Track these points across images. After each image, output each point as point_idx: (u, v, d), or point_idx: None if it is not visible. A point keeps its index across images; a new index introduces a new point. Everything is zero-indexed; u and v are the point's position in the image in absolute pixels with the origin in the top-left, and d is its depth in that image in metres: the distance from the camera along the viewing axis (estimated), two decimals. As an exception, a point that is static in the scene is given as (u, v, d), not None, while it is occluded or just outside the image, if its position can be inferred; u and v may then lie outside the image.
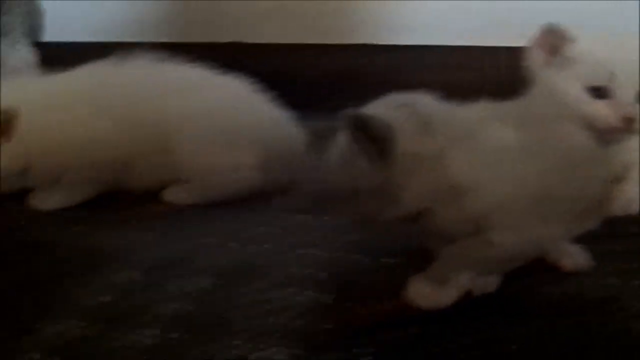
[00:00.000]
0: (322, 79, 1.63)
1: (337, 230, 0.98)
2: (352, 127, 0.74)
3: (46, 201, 1.10)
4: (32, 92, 1.03)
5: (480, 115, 0.82)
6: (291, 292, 0.82)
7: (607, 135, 0.82)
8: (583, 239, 0.83)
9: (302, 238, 0.96)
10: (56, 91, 1.08)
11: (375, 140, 0.75)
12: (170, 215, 1.06)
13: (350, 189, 0.78)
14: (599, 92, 0.83)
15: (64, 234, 1.01)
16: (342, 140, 0.78)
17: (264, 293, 0.83)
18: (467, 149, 0.79)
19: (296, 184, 1.11)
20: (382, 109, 0.77)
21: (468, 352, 0.70)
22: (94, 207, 1.11)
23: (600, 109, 0.82)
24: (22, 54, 1.68)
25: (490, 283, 0.80)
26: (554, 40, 0.86)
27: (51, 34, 1.90)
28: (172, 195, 1.10)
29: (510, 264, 0.81)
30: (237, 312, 0.79)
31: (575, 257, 0.86)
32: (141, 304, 0.81)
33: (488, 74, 1.41)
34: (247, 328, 0.76)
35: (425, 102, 0.80)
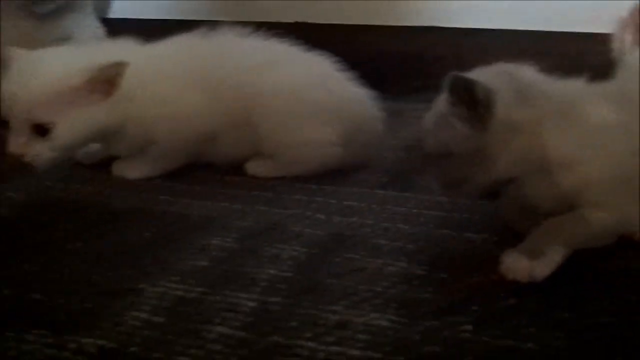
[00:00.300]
0: (395, 61, 1.64)
1: (419, 205, 0.99)
2: (454, 89, 0.76)
3: (131, 171, 1.13)
4: (130, 56, 1.04)
5: (578, 92, 0.82)
6: (383, 263, 0.84)
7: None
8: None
9: (387, 212, 0.98)
10: (152, 59, 1.09)
11: (475, 104, 0.76)
12: (254, 187, 1.07)
13: (445, 152, 0.80)
14: None
15: (152, 202, 1.04)
16: (441, 104, 0.79)
17: (357, 262, 0.84)
18: (565, 123, 0.79)
19: (377, 160, 1.13)
20: (486, 75, 0.78)
21: (563, 326, 0.70)
22: (175, 177, 1.12)
23: None
24: (92, 29, 1.71)
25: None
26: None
27: (117, 11, 1.93)
28: (255, 168, 1.11)
29: (602, 241, 0.81)
30: (333, 279, 0.80)
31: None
32: (237, 269, 0.83)
33: (567, 59, 1.41)
34: (345, 295, 0.77)
35: (527, 73, 0.81)
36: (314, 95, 1.09)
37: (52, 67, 1.02)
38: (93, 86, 1.01)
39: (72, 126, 1.01)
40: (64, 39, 1.50)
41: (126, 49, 1.10)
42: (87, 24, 1.72)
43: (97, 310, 0.75)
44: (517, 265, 0.76)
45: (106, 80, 1.01)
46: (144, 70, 1.07)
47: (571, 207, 0.80)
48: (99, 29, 1.71)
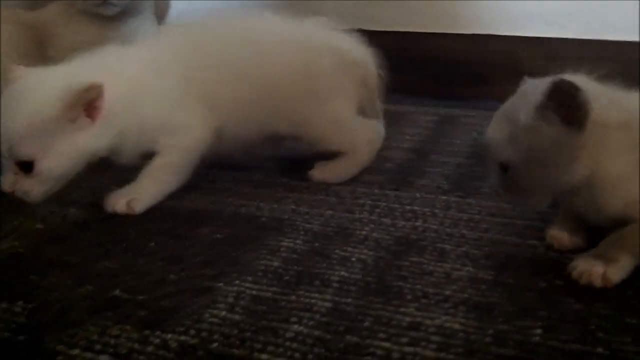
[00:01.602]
0: (448, 68, 1.65)
1: (482, 212, 1.01)
2: (556, 93, 0.77)
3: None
4: (117, 65, 1.03)
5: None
6: (451, 267, 0.86)
7: None
8: None
9: (450, 218, 0.99)
10: (141, 64, 1.07)
11: (577, 108, 0.78)
12: (317, 191, 1.10)
13: (524, 160, 0.81)
14: None
15: (221, 205, 1.06)
16: (518, 112, 0.81)
17: (424, 266, 0.86)
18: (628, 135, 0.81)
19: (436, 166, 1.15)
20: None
21: (632, 330, 0.72)
22: (239, 181, 1.15)
23: None
24: (151, 34, 1.74)
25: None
26: None
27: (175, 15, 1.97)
28: (321, 175, 1.14)
29: None
30: (402, 282, 0.82)
31: None
32: (309, 270, 0.86)
33: (623, 68, 1.41)
34: (415, 297, 0.79)
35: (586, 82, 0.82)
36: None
37: (28, 98, 0.95)
38: (72, 114, 0.94)
39: (55, 159, 0.95)
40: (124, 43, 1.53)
41: (113, 58, 1.04)
42: (146, 28, 1.76)
43: (176, 308, 0.78)
44: (592, 270, 0.78)
45: (86, 105, 0.95)
46: (135, 80, 1.02)
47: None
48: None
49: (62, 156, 0.95)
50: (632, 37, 1.47)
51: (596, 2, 1.54)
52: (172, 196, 1.08)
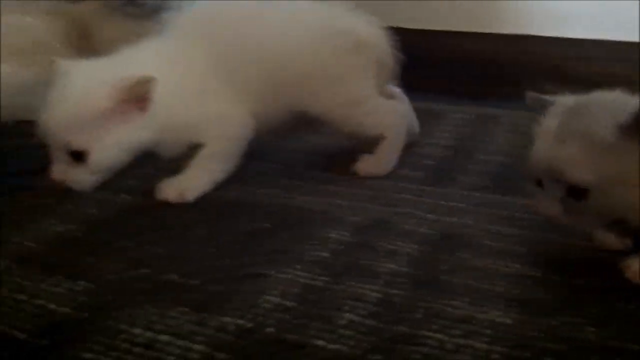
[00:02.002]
0: (487, 68, 1.67)
1: (522, 209, 1.02)
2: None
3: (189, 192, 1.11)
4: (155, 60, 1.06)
5: None
6: (494, 263, 0.87)
7: None
8: None
9: (491, 215, 1.01)
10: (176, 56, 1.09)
11: None
12: (358, 185, 1.12)
13: (621, 175, 0.79)
14: None
15: (270, 196, 1.08)
16: (609, 124, 0.78)
17: (469, 261, 0.88)
18: None
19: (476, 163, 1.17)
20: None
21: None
22: (287, 174, 1.17)
23: None
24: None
25: None
26: None
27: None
28: (365, 169, 1.16)
29: None
30: (448, 276, 0.84)
31: None
32: (357, 261, 0.87)
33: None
34: (465, 291, 0.81)
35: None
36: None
37: (81, 90, 0.97)
38: (125, 106, 0.96)
39: (108, 150, 0.98)
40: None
41: (152, 51, 1.06)
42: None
43: (229, 293, 0.80)
44: None
45: (138, 97, 0.97)
46: (175, 72, 1.04)
47: None
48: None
49: (114, 147, 0.98)
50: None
51: (631, 2, 1.54)
52: (218, 186, 1.10)
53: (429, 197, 1.07)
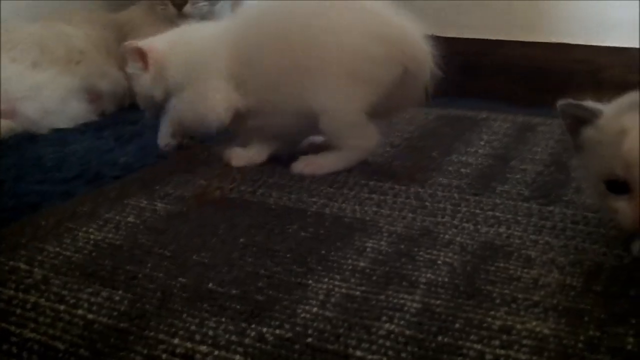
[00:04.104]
0: (530, 76, 1.66)
1: (565, 219, 1.01)
2: None
3: (239, 158, 1.23)
4: None
5: None
6: (538, 273, 0.86)
7: None
8: None
9: (533, 225, 1.00)
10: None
11: None
12: (398, 194, 1.11)
13: None
14: None
15: (306, 204, 1.09)
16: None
17: (511, 272, 0.87)
18: None
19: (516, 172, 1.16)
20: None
21: None
22: (320, 181, 1.17)
23: None
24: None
25: None
26: None
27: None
28: (302, 167, 1.20)
29: None
30: (490, 287, 0.83)
31: None
32: (397, 271, 0.87)
33: None
34: (505, 301, 0.80)
35: None
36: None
37: None
38: None
39: None
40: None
41: None
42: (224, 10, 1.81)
43: (269, 302, 0.81)
44: None
45: None
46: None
47: None
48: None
49: None
50: None
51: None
52: (259, 193, 1.10)
53: (469, 206, 1.06)
